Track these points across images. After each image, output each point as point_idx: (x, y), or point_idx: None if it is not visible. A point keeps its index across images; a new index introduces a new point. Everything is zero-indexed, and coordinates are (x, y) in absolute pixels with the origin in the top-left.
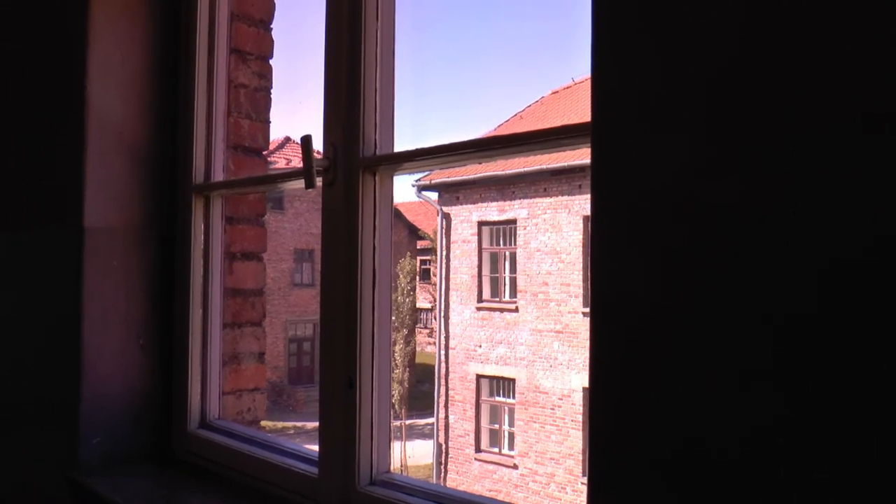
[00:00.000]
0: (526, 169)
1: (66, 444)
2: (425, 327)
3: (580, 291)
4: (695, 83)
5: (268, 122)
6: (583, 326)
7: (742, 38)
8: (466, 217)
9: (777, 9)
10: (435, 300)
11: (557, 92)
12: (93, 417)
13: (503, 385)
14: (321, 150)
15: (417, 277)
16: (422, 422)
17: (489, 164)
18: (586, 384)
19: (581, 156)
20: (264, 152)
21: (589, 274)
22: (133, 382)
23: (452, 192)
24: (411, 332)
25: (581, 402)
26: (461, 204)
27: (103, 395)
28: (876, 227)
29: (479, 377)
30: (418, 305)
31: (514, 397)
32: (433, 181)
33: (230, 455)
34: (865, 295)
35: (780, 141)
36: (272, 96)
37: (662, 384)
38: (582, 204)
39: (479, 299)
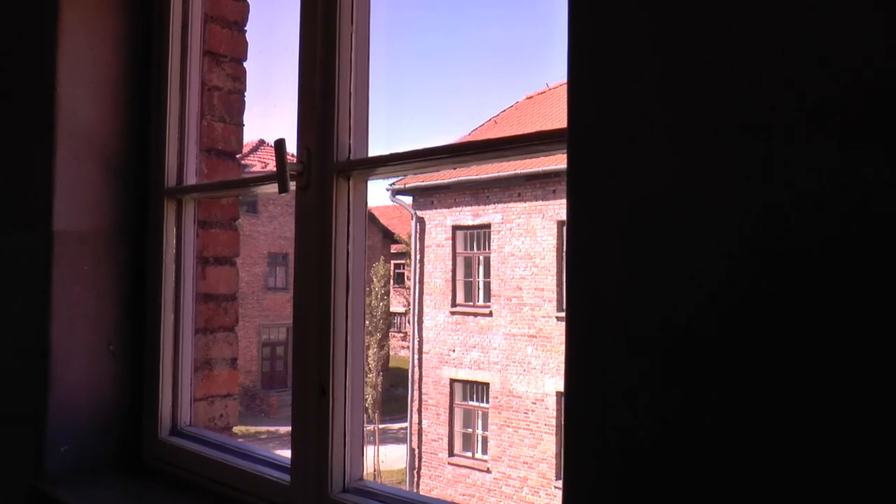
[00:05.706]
0: (500, 174)
1: (32, 453)
2: (399, 331)
3: (554, 296)
4: (671, 92)
5: (241, 125)
6: (556, 331)
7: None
8: (441, 221)
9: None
10: (409, 304)
11: (532, 97)
12: (60, 425)
13: (477, 389)
14: (295, 153)
15: (391, 281)
16: (395, 426)
17: (464, 168)
18: (560, 388)
19: (555, 161)
20: (238, 156)
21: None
22: (103, 389)
23: (427, 197)
24: (385, 337)
25: (554, 407)
26: (435, 208)
27: (72, 402)
28: None
29: (452, 381)
30: (392, 309)
31: (487, 401)
32: (407, 185)
33: (201, 462)
34: None
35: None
36: (246, 99)
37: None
38: (556, 209)
39: (453, 303)
